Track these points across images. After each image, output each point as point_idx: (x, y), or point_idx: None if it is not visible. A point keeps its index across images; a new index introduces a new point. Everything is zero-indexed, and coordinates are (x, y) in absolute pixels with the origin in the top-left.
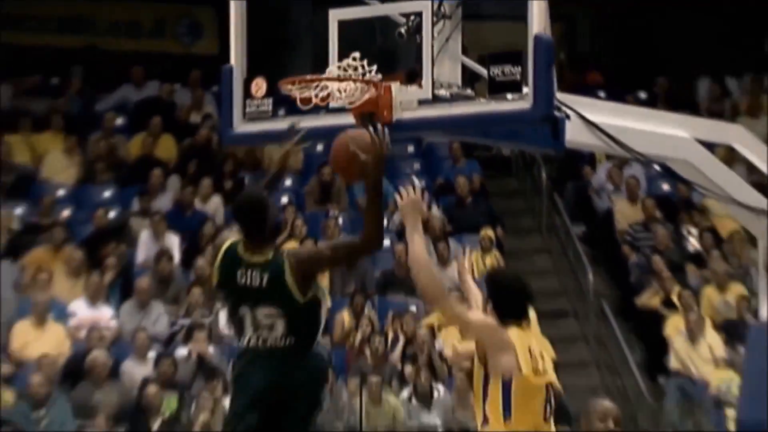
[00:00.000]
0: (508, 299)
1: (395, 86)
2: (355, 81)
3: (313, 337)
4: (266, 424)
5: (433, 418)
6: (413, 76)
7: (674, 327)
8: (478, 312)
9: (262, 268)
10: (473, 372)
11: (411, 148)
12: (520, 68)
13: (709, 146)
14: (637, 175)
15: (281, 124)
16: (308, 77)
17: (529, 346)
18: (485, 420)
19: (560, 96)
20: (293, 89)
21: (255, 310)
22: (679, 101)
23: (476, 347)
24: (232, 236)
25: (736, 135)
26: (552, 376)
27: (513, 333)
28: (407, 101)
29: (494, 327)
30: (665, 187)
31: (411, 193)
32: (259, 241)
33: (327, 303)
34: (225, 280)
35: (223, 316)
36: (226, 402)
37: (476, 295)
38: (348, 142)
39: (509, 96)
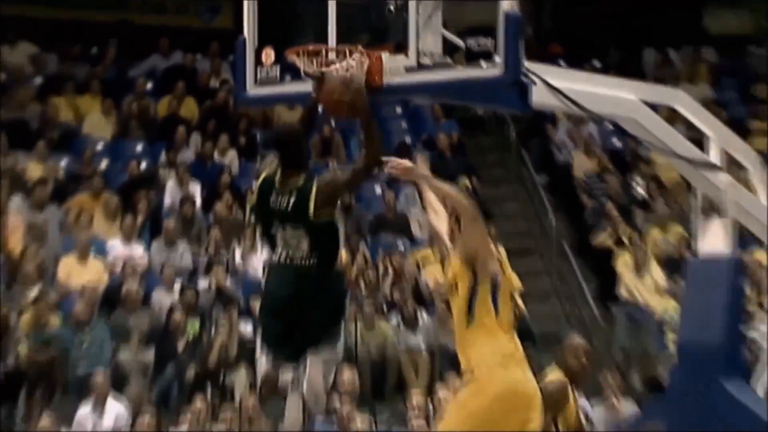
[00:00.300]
0: None
1: (385, 55)
2: (351, 52)
3: (333, 258)
4: (287, 333)
5: (418, 340)
6: (401, 47)
7: (623, 262)
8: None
9: (292, 192)
10: (456, 285)
11: (399, 110)
12: (492, 40)
13: (654, 107)
14: (593, 132)
15: (287, 88)
16: (311, 47)
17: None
18: (471, 321)
19: (527, 64)
20: (298, 58)
21: (285, 229)
22: (628, 69)
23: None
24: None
25: (677, 98)
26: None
27: None
28: (395, 68)
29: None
30: (616, 142)
31: (399, 162)
32: (293, 168)
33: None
34: (261, 203)
35: (238, 253)
36: (242, 326)
37: (442, 212)
38: (334, 90)
39: (483, 64)
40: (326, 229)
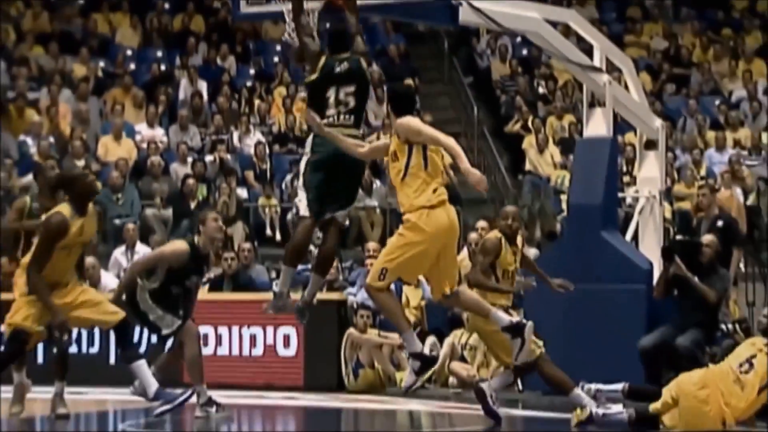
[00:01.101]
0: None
1: None
2: None
3: (362, 118)
4: (329, 182)
5: (374, 202)
6: None
7: (529, 143)
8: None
9: (343, 63)
10: (396, 155)
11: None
12: None
13: (553, 24)
14: (507, 43)
15: (271, 8)
16: None
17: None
18: (405, 176)
19: None
20: None
21: (340, 90)
22: None
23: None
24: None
25: (571, 17)
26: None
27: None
28: None
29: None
30: (524, 51)
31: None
32: (342, 49)
33: None
34: (326, 72)
35: (236, 135)
36: (239, 191)
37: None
38: None
39: None
40: (367, 87)
